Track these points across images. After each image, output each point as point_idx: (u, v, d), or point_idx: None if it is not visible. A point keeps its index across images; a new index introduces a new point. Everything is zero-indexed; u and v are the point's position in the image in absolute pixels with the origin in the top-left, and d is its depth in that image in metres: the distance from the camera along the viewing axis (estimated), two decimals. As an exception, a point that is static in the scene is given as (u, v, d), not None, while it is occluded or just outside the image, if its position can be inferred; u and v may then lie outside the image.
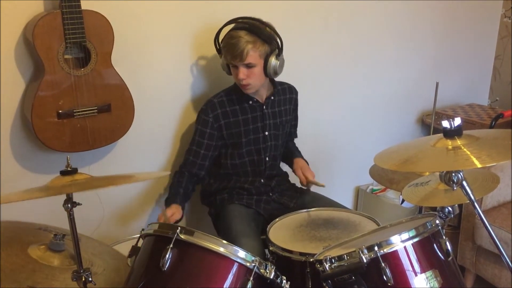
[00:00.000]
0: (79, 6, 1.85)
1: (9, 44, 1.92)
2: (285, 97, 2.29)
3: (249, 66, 2.04)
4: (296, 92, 2.34)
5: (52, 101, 1.91)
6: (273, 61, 2.08)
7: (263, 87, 2.18)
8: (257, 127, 2.20)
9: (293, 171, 2.33)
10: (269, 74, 2.10)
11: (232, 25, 2.09)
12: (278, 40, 2.10)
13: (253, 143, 2.21)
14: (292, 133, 2.44)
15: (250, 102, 2.18)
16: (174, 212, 2.03)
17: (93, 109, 1.98)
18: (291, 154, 2.40)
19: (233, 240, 1.90)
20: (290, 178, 2.40)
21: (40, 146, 2.01)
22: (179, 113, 2.35)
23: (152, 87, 2.25)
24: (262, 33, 2.04)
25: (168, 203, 2.10)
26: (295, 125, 2.43)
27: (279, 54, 2.10)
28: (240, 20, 2.08)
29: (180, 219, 2.07)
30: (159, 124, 2.31)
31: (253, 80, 2.08)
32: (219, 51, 2.15)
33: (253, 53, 2.02)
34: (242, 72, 2.05)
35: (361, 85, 2.88)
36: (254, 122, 2.19)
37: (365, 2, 2.73)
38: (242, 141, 2.18)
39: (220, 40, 2.13)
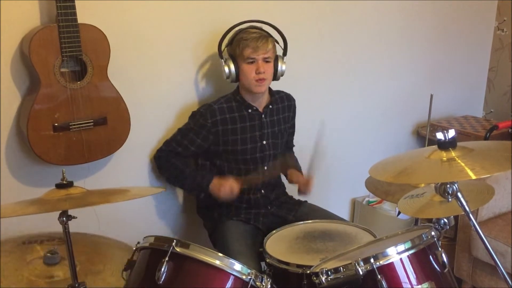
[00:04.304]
0: (76, 20, 1.86)
1: (5, 57, 1.92)
2: (284, 105, 2.30)
3: (267, 60, 2.10)
4: (293, 100, 2.35)
5: (48, 114, 1.91)
6: (283, 64, 2.19)
7: (263, 94, 2.20)
8: (255, 135, 2.20)
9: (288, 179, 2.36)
10: (277, 77, 2.19)
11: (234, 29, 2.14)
12: (283, 43, 2.21)
13: (250, 152, 2.20)
14: (289, 141, 2.43)
15: (250, 110, 2.18)
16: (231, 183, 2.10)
17: (89, 122, 1.98)
18: (288, 164, 2.38)
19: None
20: (287, 191, 2.39)
21: (35, 159, 2.01)
22: (175, 125, 2.35)
23: (148, 100, 2.25)
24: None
25: (206, 183, 2.14)
26: (292, 133, 2.42)
27: (284, 57, 2.21)
28: (250, 23, 2.13)
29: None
30: (155, 137, 2.31)
31: (268, 76, 2.13)
32: (229, 53, 2.14)
33: (272, 47, 2.11)
34: (262, 65, 2.09)
35: (356, 97, 2.89)
36: (252, 130, 2.19)
37: (359, 13, 2.75)
38: (237, 149, 2.18)
39: (225, 43, 2.14)
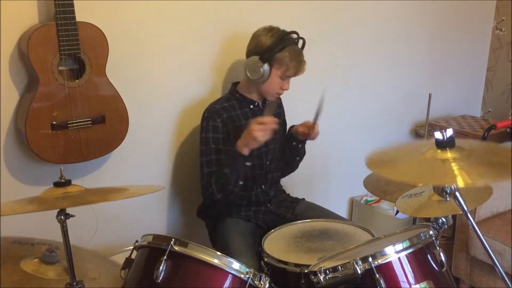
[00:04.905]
0: (74, 18, 1.86)
1: (4, 55, 1.92)
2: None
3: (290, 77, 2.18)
4: (279, 98, 2.35)
5: (46, 113, 1.91)
6: None
7: None
8: None
9: (292, 133, 2.26)
10: None
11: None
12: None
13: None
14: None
15: (251, 106, 2.20)
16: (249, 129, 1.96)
17: (87, 121, 1.98)
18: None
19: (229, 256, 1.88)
20: (284, 188, 2.40)
21: (33, 158, 2.01)
22: (174, 124, 2.35)
23: (146, 98, 2.25)
24: None
25: (233, 149, 1.99)
26: (284, 130, 2.41)
27: None
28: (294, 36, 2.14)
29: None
30: (153, 135, 2.31)
31: None
32: (265, 56, 2.07)
33: None
34: (287, 84, 2.17)
35: (355, 96, 2.89)
36: None
37: (358, 13, 2.75)
38: None
39: (273, 49, 2.08)
